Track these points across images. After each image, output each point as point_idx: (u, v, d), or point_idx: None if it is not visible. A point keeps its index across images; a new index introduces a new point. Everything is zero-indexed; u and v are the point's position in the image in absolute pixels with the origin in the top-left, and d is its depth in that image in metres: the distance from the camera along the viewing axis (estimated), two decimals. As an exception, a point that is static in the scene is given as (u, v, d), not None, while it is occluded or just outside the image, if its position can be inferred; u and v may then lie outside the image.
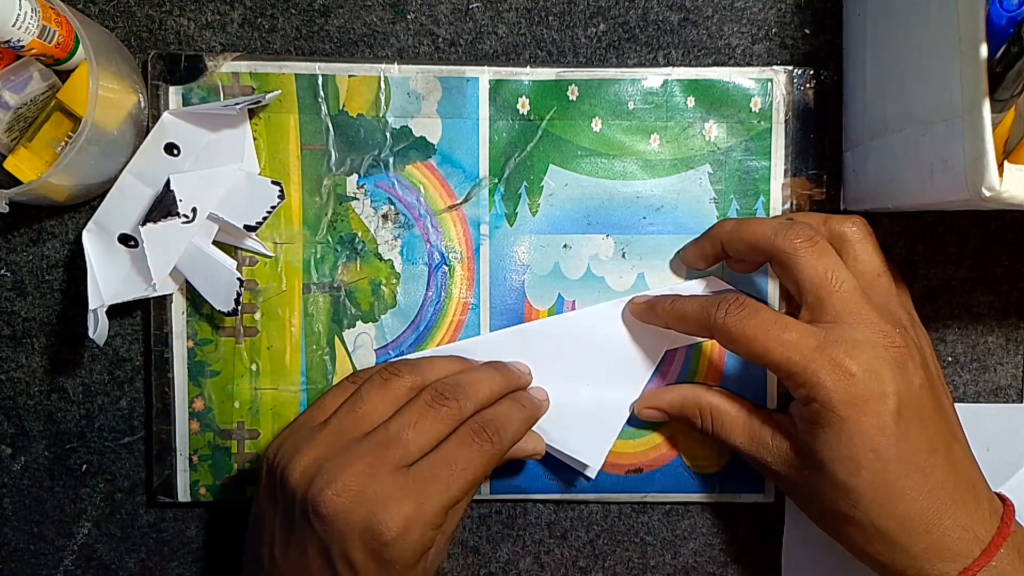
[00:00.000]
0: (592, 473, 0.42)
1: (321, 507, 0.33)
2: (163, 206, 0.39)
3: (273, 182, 0.41)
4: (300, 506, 0.34)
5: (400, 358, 0.41)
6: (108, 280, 0.39)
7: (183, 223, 0.39)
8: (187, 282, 0.41)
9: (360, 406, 0.36)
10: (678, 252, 0.42)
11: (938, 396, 0.35)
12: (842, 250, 0.36)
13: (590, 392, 0.41)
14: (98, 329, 0.39)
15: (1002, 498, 0.35)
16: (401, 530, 0.32)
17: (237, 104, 0.39)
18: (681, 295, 0.39)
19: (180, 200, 0.39)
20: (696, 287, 0.41)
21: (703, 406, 0.39)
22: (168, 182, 0.39)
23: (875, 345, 0.33)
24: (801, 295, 0.35)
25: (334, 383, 0.41)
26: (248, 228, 0.40)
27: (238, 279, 0.40)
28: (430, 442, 0.35)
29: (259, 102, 0.39)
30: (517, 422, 0.37)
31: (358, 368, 0.42)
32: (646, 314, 0.40)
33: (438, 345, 0.42)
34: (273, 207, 0.41)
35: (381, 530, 0.32)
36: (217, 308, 0.40)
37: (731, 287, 0.41)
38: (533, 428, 0.40)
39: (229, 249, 0.41)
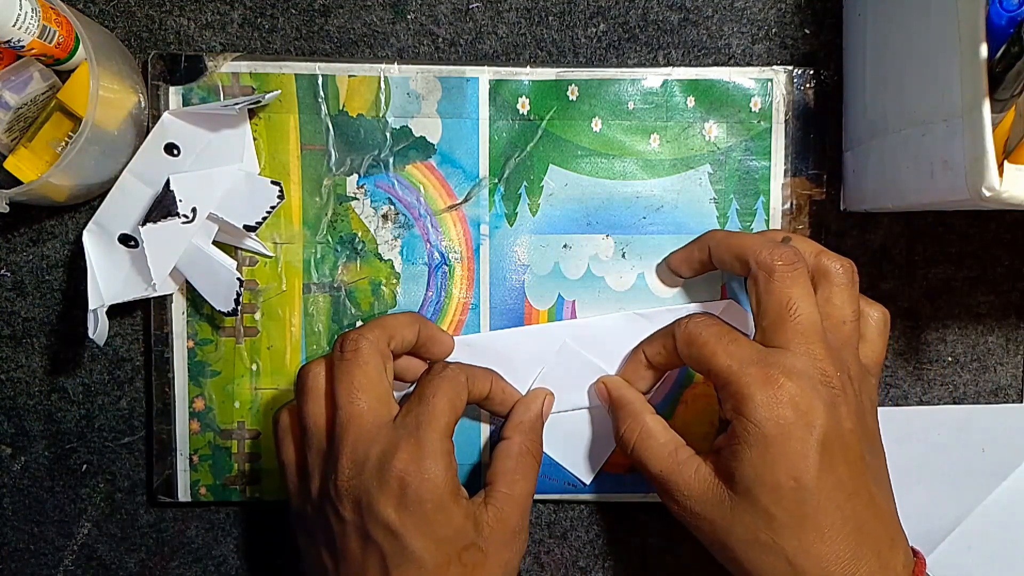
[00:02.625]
0: (587, 481, 0.42)
1: (340, 495, 0.34)
2: (163, 206, 0.39)
3: (273, 182, 0.41)
4: (331, 510, 0.34)
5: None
6: (108, 280, 0.39)
7: (183, 223, 0.39)
8: (187, 282, 0.41)
9: (306, 423, 0.36)
10: (667, 256, 0.41)
11: (870, 446, 0.35)
12: (820, 286, 0.36)
13: (590, 404, 0.41)
14: (98, 329, 0.39)
15: (915, 552, 0.35)
16: (413, 466, 0.33)
17: (237, 104, 0.39)
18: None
19: (180, 200, 0.39)
20: (713, 309, 0.41)
21: (637, 422, 0.37)
22: (168, 182, 0.39)
23: (812, 378, 0.33)
24: (760, 315, 0.35)
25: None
26: (248, 228, 0.40)
27: (238, 279, 0.40)
28: (376, 385, 0.35)
29: (259, 102, 0.39)
30: (475, 367, 0.39)
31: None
32: (637, 367, 0.40)
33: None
34: (273, 207, 0.41)
35: (394, 474, 0.33)
36: (217, 308, 0.40)
37: (749, 311, 0.41)
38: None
39: (229, 249, 0.41)
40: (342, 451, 0.34)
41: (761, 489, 0.32)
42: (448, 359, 0.41)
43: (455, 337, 0.41)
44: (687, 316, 0.36)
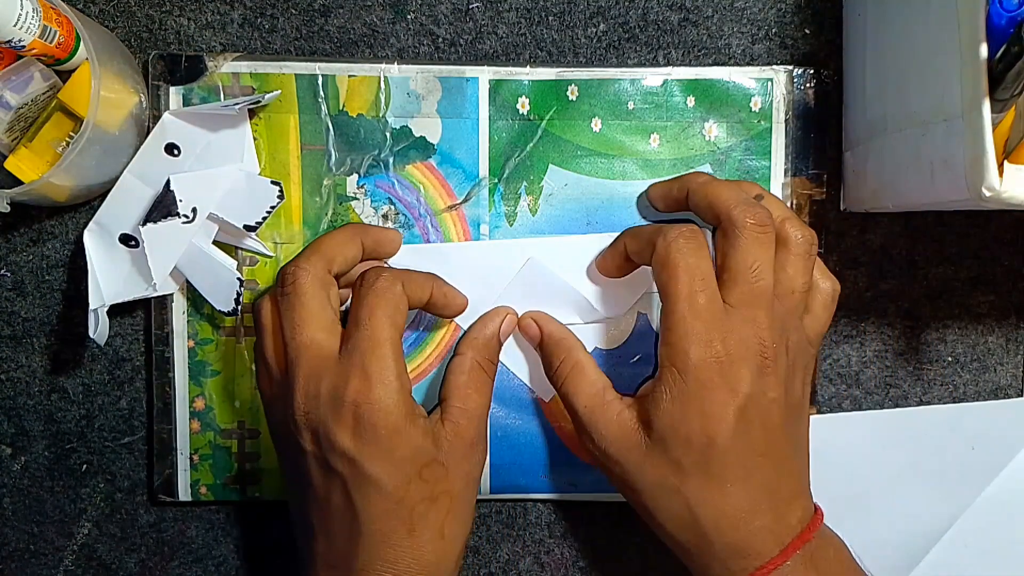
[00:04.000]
0: (546, 398, 0.42)
1: (298, 427, 0.35)
2: (163, 206, 0.39)
3: (273, 182, 0.41)
4: (293, 441, 0.36)
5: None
6: (109, 280, 0.39)
7: (183, 223, 0.39)
8: (188, 282, 0.41)
9: (264, 358, 0.38)
10: (648, 187, 0.41)
11: (792, 415, 0.35)
12: (778, 252, 0.36)
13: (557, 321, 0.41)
14: (98, 329, 0.39)
15: (816, 508, 0.36)
16: (363, 394, 0.34)
17: (237, 104, 0.39)
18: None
19: (180, 200, 0.39)
20: None
21: (572, 357, 0.38)
22: (168, 182, 0.39)
23: (749, 346, 0.34)
24: (721, 269, 0.35)
25: None
26: (248, 228, 0.40)
27: (238, 279, 0.40)
28: (318, 317, 0.36)
29: (259, 102, 0.39)
30: (415, 272, 0.39)
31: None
32: (609, 256, 0.40)
33: (436, 348, 0.42)
34: (273, 207, 0.41)
35: (347, 405, 0.34)
36: (217, 308, 0.40)
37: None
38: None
39: (229, 249, 0.41)
40: (295, 386, 0.35)
41: (674, 439, 0.34)
42: (410, 267, 0.41)
43: (415, 247, 0.41)
44: (675, 230, 0.35)
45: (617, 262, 0.40)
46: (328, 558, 0.35)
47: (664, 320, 0.35)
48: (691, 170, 0.41)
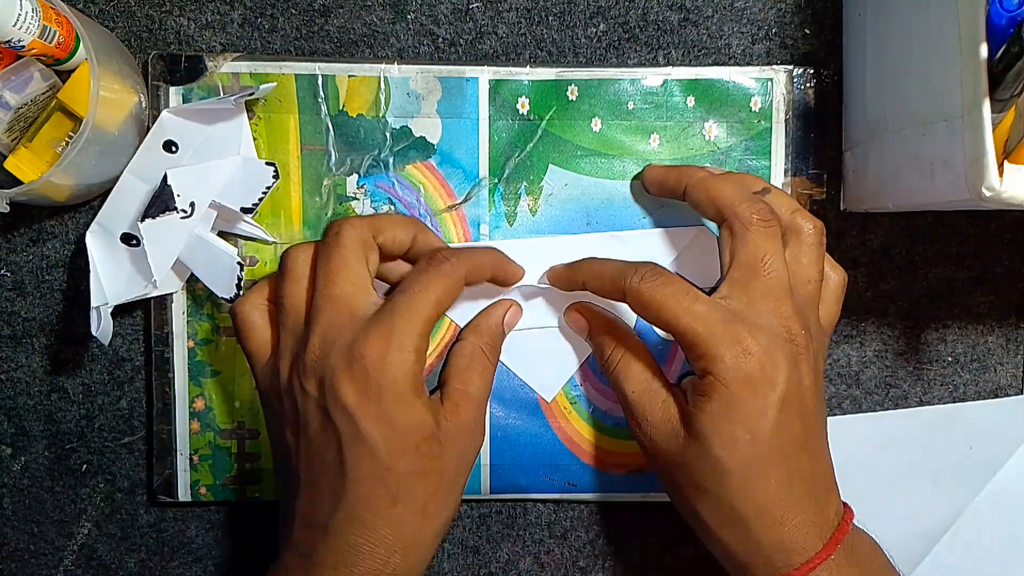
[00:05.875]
0: (547, 398, 0.42)
1: (307, 371, 0.34)
2: (161, 201, 0.39)
3: (267, 163, 0.40)
4: (298, 387, 0.35)
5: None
6: (111, 280, 0.39)
7: (182, 218, 0.39)
8: (188, 282, 0.41)
9: (283, 303, 0.36)
10: (644, 169, 0.41)
11: (819, 402, 0.36)
12: (790, 243, 0.36)
13: (557, 323, 0.41)
14: (101, 327, 0.39)
15: (845, 505, 0.36)
16: (379, 356, 0.33)
17: (232, 98, 0.39)
18: (598, 258, 0.39)
19: (178, 195, 0.39)
20: (685, 234, 0.41)
21: (623, 344, 0.38)
22: (165, 177, 0.39)
23: (777, 335, 0.34)
24: (730, 267, 0.35)
25: None
26: (244, 210, 0.40)
27: (238, 263, 0.40)
28: (353, 271, 0.35)
29: (252, 94, 0.39)
30: (479, 254, 0.38)
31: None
32: (565, 278, 0.40)
33: (436, 348, 0.42)
34: (268, 187, 0.40)
35: (359, 361, 0.33)
36: (219, 295, 0.40)
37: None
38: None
39: (231, 241, 0.41)
40: (314, 331, 0.35)
41: (716, 438, 0.33)
42: None
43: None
44: (637, 273, 0.35)
45: (571, 288, 0.40)
46: (307, 515, 0.35)
47: (683, 344, 0.34)
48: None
